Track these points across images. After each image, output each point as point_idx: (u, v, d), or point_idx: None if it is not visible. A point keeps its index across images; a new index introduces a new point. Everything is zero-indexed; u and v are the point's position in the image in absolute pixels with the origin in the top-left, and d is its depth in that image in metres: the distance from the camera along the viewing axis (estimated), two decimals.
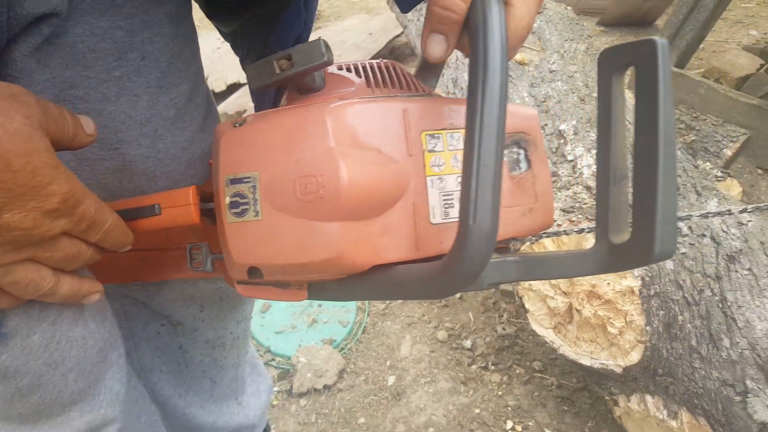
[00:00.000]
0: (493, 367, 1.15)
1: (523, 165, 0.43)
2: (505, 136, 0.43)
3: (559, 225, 0.85)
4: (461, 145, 0.41)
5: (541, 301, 0.90)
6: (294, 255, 0.37)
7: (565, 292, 0.86)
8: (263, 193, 0.37)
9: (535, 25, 1.33)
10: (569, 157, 0.97)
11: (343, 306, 1.35)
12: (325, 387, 1.15)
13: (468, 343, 1.21)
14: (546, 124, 1.07)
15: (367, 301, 1.35)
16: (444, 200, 0.40)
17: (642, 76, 0.35)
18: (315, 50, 0.38)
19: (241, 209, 0.38)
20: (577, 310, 0.84)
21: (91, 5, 0.41)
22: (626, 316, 0.80)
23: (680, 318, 0.80)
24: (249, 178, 0.38)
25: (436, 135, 0.40)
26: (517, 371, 1.14)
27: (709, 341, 0.79)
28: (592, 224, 0.84)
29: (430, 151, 0.40)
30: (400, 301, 1.35)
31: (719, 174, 1.25)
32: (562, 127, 1.03)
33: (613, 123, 0.38)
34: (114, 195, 0.49)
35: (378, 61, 0.45)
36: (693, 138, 1.31)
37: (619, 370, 0.83)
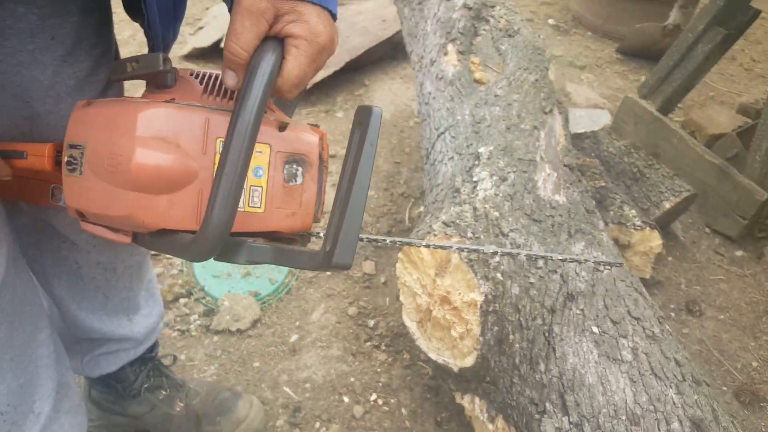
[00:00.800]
0: (384, 348, 1.29)
1: (299, 179, 0.55)
2: (289, 155, 0.55)
3: (436, 236, 0.97)
4: None
5: (412, 296, 1.02)
6: (101, 208, 0.51)
7: (429, 293, 0.98)
8: (87, 159, 0.51)
9: (503, 47, 1.40)
10: (474, 179, 1.08)
11: (276, 268, 1.49)
12: (238, 330, 1.31)
13: (372, 323, 1.35)
14: (471, 144, 1.17)
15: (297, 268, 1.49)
16: None
17: (360, 133, 0.48)
18: (154, 61, 0.52)
19: (72, 167, 0.52)
20: (430, 310, 0.96)
21: None
22: (467, 324, 0.92)
23: (511, 337, 0.91)
24: (80, 146, 0.51)
25: None
26: (404, 356, 1.27)
27: (529, 363, 0.90)
28: (464, 242, 0.95)
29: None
30: (328, 273, 1.49)
31: (638, 223, 1.32)
32: (481, 150, 1.13)
33: (348, 165, 0.50)
34: (26, 137, 0.64)
35: None
36: (602, 184, 1.38)
37: (456, 369, 0.96)
